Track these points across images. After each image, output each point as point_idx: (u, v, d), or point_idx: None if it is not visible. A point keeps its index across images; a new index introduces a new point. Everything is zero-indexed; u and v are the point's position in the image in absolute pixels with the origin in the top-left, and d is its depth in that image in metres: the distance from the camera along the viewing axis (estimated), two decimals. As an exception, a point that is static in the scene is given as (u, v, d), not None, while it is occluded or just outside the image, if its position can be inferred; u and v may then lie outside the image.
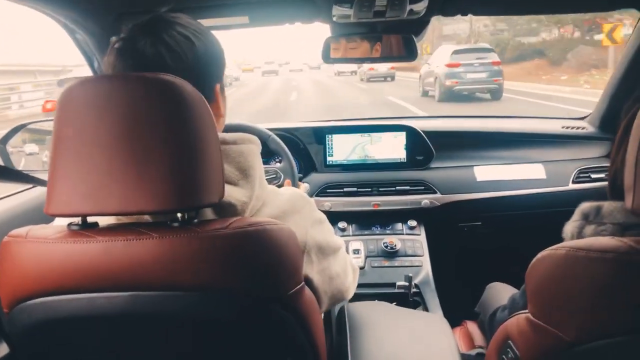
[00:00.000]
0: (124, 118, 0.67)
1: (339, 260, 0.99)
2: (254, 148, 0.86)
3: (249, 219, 0.77)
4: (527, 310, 0.82)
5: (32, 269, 0.72)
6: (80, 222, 0.73)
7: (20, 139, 1.68)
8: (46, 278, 0.71)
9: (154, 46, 0.77)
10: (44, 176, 1.36)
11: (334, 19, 1.40)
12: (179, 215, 0.72)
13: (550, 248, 0.77)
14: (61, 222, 0.79)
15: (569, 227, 0.90)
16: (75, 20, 1.20)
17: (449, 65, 12.62)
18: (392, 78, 22.70)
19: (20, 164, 1.57)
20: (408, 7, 1.33)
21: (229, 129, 1.59)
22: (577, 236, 0.87)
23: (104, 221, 0.76)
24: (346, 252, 1.07)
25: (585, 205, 0.90)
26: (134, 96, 0.67)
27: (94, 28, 1.23)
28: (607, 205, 0.87)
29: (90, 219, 0.73)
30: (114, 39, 0.80)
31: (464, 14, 1.46)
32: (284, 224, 0.79)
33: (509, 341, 0.85)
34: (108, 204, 0.68)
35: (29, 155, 1.65)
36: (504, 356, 0.87)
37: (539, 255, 0.79)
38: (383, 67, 22.14)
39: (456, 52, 12.99)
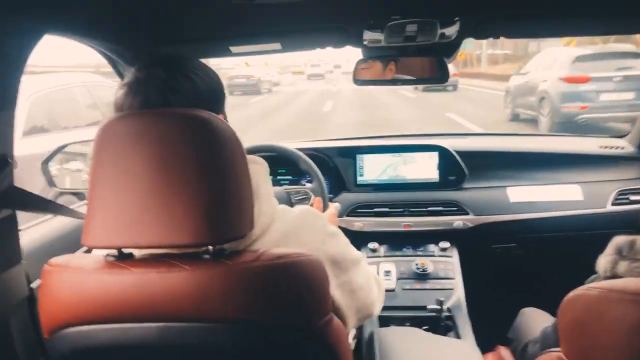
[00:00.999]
0: (159, 153, 0.69)
1: (360, 273, 0.98)
2: (259, 168, 0.88)
3: (278, 250, 0.78)
4: (559, 349, 0.80)
5: (71, 298, 0.74)
6: (116, 254, 0.75)
7: (63, 157, 1.74)
8: (83, 307, 0.74)
9: (157, 87, 0.80)
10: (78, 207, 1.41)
11: (365, 43, 1.41)
12: (210, 247, 0.73)
13: (583, 287, 0.76)
14: (98, 252, 0.82)
15: (602, 262, 0.88)
16: (116, 51, 1.25)
17: (570, 80, 7.68)
18: (454, 87, 17.12)
19: (66, 182, 1.62)
20: (439, 31, 1.33)
21: (259, 149, 1.63)
22: (610, 272, 0.85)
23: (140, 251, 0.79)
24: (367, 265, 1.05)
25: (619, 240, 0.88)
26: (170, 131, 0.70)
27: (133, 59, 1.27)
28: None
29: (125, 249, 0.76)
30: (119, 83, 0.85)
31: (496, 37, 1.45)
32: (312, 255, 0.80)
33: None
34: (142, 237, 0.70)
35: (74, 172, 1.71)
36: None
37: (572, 294, 0.77)
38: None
39: (581, 58, 7.91)
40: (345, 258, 0.96)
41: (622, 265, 0.85)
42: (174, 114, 0.72)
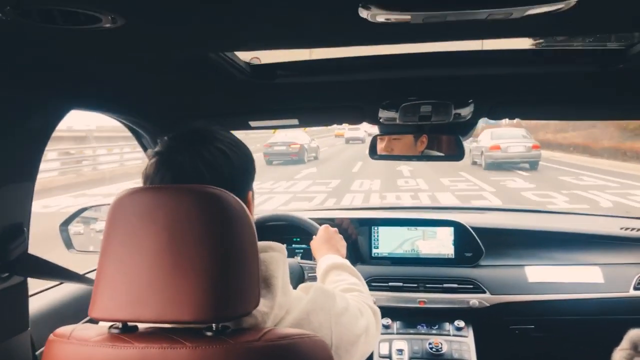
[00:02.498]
0: (169, 228, 0.71)
1: (362, 342, 0.98)
2: (278, 256, 0.87)
3: (282, 330, 0.78)
4: None
5: None
6: (120, 326, 0.75)
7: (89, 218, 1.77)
8: None
9: (193, 160, 0.81)
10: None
11: (381, 120, 1.45)
12: (213, 325, 0.73)
13: None
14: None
15: (618, 356, 0.85)
16: (139, 124, 1.31)
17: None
18: (533, 165, 15.00)
19: (91, 243, 1.64)
20: (454, 112, 1.36)
21: (274, 219, 1.64)
22: None
23: (144, 324, 0.79)
24: (369, 306, 1.07)
25: (634, 334, 0.85)
26: (180, 207, 0.72)
27: (154, 130, 1.33)
28: None
29: (130, 322, 0.76)
30: (149, 152, 0.85)
31: (511, 118, 1.48)
32: (315, 335, 0.79)
33: None
34: (147, 311, 0.70)
35: (98, 232, 1.73)
36: None
37: None
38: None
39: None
40: (352, 335, 0.95)
41: None
42: (186, 190, 0.74)
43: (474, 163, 16.12)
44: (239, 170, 0.86)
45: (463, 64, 1.18)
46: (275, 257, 0.87)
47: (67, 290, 1.34)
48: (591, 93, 1.32)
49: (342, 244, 1.42)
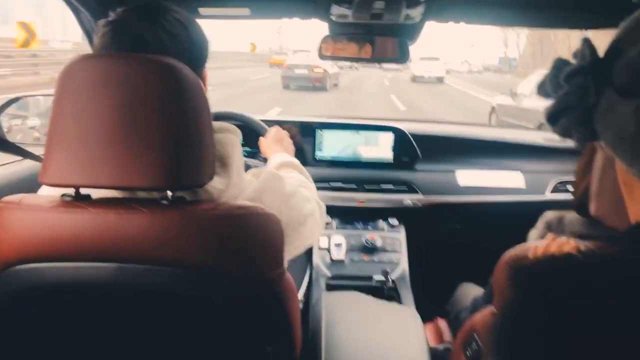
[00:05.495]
0: (124, 96, 0.70)
1: (313, 221, 1.03)
2: (233, 138, 0.89)
3: (238, 202, 0.81)
4: (491, 305, 0.87)
5: (23, 236, 0.74)
6: (73, 194, 0.76)
7: (24, 113, 1.69)
8: (36, 245, 0.74)
9: (153, 28, 0.79)
10: (36, 150, 1.38)
11: (332, 17, 1.44)
12: (169, 193, 0.75)
13: (517, 248, 0.83)
14: (51, 194, 0.82)
15: (533, 235, 0.96)
16: (83, 2, 1.23)
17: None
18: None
19: (17, 137, 1.58)
20: (404, 12, 1.37)
21: (222, 116, 1.64)
22: None
23: (96, 194, 0.80)
24: (316, 204, 1.10)
25: (549, 215, 0.95)
26: (136, 76, 0.71)
27: (96, 7, 1.25)
28: (569, 216, 0.93)
29: (83, 191, 0.77)
30: (102, 21, 0.82)
31: (457, 21, 1.51)
32: (269, 211, 0.83)
33: (474, 334, 0.91)
34: (102, 177, 0.71)
35: (29, 129, 1.66)
36: (468, 349, 0.93)
37: (506, 254, 0.84)
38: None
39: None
40: (300, 215, 1.00)
41: (548, 239, 0.92)
42: (144, 59, 0.73)
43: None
44: (196, 46, 0.85)
45: None
46: (230, 138, 0.89)
47: (11, 170, 1.30)
48: None
49: (292, 147, 1.46)
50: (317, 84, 16.06)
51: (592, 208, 0.77)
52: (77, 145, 0.71)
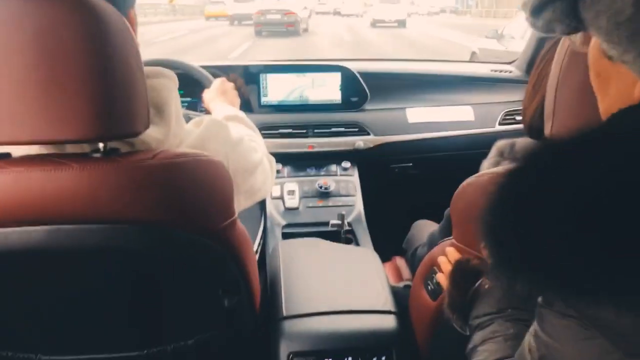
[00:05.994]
0: (40, 39, 0.61)
1: (260, 171, 1.00)
2: (168, 83, 0.82)
3: (176, 150, 0.75)
4: (451, 237, 0.86)
5: None
6: None
7: None
8: None
9: None
10: None
11: None
12: (100, 145, 0.68)
13: (474, 176, 0.81)
14: None
15: (486, 164, 0.95)
16: None
17: None
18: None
19: None
20: None
21: (158, 64, 1.52)
22: None
23: (17, 152, 0.71)
24: (265, 155, 1.07)
25: (500, 143, 0.94)
26: (51, 16, 0.62)
27: None
28: (520, 141, 0.92)
29: (1, 149, 0.68)
30: None
31: None
32: (214, 157, 0.78)
33: (435, 267, 0.90)
34: (20, 132, 0.63)
35: None
36: (429, 282, 0.92)
37: (464, 183, 0.82)
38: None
39: None
40: (253, 163, 0.95)
41: (504, 165, 0.91)
42: None
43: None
44: None
45: None
46: (166, 84, 0.82)
47: None
48: None
49: (238, 100, 1.41)
50: (290, 28, 15.85)
51: (547, 128, 0.75)
52: None
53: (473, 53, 8.43)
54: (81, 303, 0.81)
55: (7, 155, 0.69)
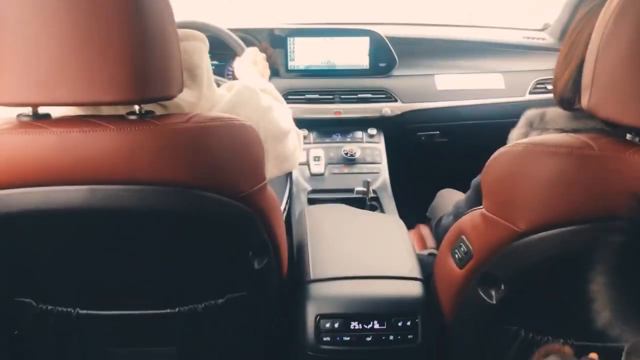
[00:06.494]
0: (77, 2, 0.62)
1: (291, 139, 1.01)
2: (200, 46, 0.82)
3: (210, 114, 0.76)
4: (481, 207, 0.86)
5: None
6: (31, 113, 0.69)
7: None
8: None
9: None
10: None
11: None
12: (136, 108, 0.69)
13: (507, 145, 0.80)
14: (7, 115, 0.75)
15: (515, 134, 0.93)
16: None
17: None
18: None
19: None
20: None
21: (185, 25, 1.52)
22: None
23: (56, 113, 0.73)
24: (295, 128, 1.08)
25: (530, 112, 0.92)
26: None
27: None
28: (551, 111, 0.90)
29: (41, 110, 0.70)
30: None
31: None
32: (246, 122, 0.78)
33: (462, 236, 0.90)
34: (61, 93, 0.64)
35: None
36: (456, 251, 0.93)
37: (497, 152, 0.81)
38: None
39: None
40: (282, 131, 0.96)
41: (533, 136, 0.90)
42: None
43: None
44: None
45: None
46: (198, 46, 0.82)
47: None
48: None
49: (267, 71, 1.41)
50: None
51: (585, 100, 0.73)
52: (30, 60, 0.63)
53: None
54: (117, 261, 0.83)
55: (47, 116, 0.70)
